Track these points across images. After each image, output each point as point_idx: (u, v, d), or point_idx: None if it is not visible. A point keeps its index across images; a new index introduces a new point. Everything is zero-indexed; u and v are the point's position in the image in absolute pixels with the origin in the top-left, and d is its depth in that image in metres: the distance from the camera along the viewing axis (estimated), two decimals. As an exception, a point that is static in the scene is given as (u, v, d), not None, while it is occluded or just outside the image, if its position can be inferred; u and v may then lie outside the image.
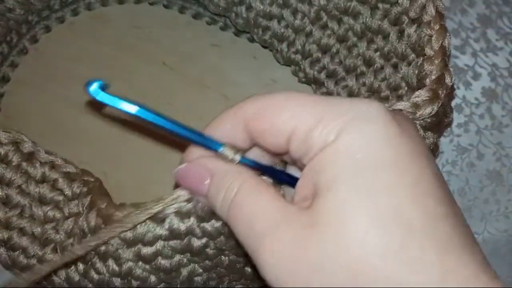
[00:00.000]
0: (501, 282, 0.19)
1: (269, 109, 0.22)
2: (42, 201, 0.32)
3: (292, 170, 0.26)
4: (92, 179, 0.32)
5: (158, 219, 0.26)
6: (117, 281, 0.30)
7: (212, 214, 0.26)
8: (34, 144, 0.33)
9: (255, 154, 0.25)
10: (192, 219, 0.26)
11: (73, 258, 0.27)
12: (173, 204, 0.26)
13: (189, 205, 0.26)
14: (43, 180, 0.32)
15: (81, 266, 0.30)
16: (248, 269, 0.32)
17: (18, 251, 0.32)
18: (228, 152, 0.23)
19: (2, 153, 0.32)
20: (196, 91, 0.44)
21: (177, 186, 0.26)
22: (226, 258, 0.30)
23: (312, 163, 0.21)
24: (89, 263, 0.30)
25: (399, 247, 0.19)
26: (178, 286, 0.31)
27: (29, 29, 0.45)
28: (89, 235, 0.28)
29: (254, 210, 0.21)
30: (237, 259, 0.30)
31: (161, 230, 0.27)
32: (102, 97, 0.22)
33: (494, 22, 0.49)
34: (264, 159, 0.25)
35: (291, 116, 0.22)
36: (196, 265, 0.30)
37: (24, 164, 0.33)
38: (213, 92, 0.44)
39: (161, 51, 0.45)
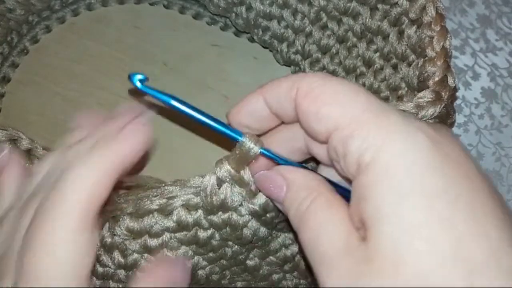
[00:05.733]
0: None
1: (320, 94, 0.22)
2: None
3: (326, 171, 0.26)
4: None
5: (165, 211, 0.27)
6: (121, 273, 0.30)
7: (219, 207, 0.26)
8: (31, 141, 0.33)
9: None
10: (199, 211, 0.27)
11: None
12: (181, 197, 0.26)
13: (197, 199, 0.26)
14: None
15: None
16: (250, 262, 0.32)
17: None
18: (248, 142, 0.24)
19: None
20: (196, 91, 0.44)
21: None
22: (230, 249, 0.30)
23: (355, 187, 0.21)
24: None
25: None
26: None
27: (29, 29, 0.45)
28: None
29: (320, 230, 0.21)
30: (240, 250, 0.31)
31: (168, 222, 0.27)
32: (143, 88, 0.25)
33: (494, 23, 0.49)
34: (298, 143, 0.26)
35: (338, 113, 0.21)
36: (200, 257, 0.30)
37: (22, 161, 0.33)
38: (213, 92, 0.44)
39: (161, 51, 0.45)
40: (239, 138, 0.25)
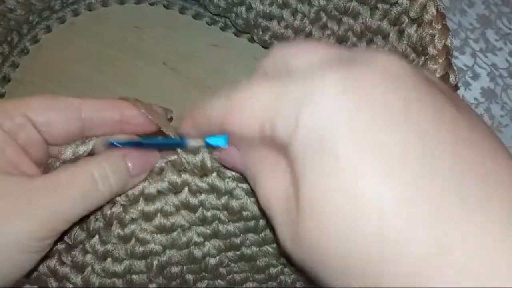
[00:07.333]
0: None
1: (235, 111, 0.23)
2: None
3: None
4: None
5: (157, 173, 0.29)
6: (122, 247, 0.30)
7: (200, 169, 0.28)
8: None
9: None
10: (187, 173, 0.28)
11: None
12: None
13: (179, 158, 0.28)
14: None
15: (87, 244, 0.31)
16: (246, 250, 0.32)
17: None
18: (192, 142, 0.27)
19: None
20: (196, 91, 0.44)
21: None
22: (223, 226, 0.31)
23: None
24: (96, 232, 0.30)
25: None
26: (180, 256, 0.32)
27: (30, 29, 0.45)
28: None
29: (266, 192, 0.22)
30: (234, 230, 0.31)
31: (163, 184, 0.28)
32: (118, 144, 0.29)
33: (494, 23, 0.49)
34: None
35: (254, 115, 0.21)
36: (195, 233, 0.31)
37: None
38: (213, 92, 0.44)
39: (161, 51, 0.45)
40: (186, 145, 0.28)
